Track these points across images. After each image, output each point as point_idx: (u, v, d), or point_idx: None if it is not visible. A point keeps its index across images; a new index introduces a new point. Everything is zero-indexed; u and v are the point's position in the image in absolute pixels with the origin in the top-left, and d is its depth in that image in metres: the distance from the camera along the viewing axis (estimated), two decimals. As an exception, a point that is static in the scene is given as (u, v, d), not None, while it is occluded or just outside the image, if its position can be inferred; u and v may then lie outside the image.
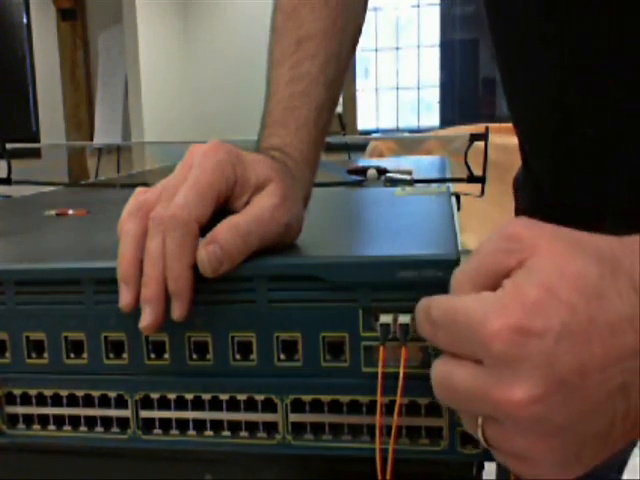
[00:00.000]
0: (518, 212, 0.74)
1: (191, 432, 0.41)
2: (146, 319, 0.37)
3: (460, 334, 0.30)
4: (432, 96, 4.71)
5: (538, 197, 0.67)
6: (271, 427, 0.40)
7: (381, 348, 0.36)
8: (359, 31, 0.60)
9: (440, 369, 0.32)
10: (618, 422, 0.29)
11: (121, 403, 0.41)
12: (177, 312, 0.37)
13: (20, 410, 0.43)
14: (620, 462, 0.71)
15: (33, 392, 0.42)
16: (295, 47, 0.52)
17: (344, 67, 0.56)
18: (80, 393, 0.41)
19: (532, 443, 0.29)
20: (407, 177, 1.04)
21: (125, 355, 0.40)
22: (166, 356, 0.40)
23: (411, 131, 4.59)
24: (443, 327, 0.31)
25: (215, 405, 0.40)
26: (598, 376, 0.28)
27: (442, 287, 0.36)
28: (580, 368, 0.28)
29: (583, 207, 0.59)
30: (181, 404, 0.40)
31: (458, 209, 0.76)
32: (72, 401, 0.42)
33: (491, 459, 0.38)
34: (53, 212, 0.67)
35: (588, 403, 0.28)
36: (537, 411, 0.28)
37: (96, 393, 0.41)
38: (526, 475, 0.31)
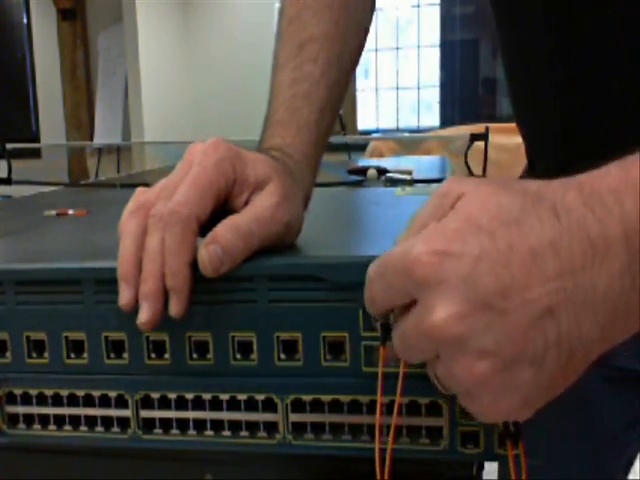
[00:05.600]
0: None
1: (191, 432, 0.41)
2: (144, 315, 0.37)
3: (390, 277, 0.31)
4: (432, 96, 4.71)
5: None
6: (271, 427, 0.40)
7: (381, 348, 0.36)
8: (365, 33, 0.60)
9: (395, 333, 0.33)
10: (552, 349, 0.29)
11: (121, 403, 0.41)
12: (175, 308, 0.37)
13: (20, 410, 0.43)
14: (626, 463, 0.71)
15: (34, 392, 0.42)
16: (298, 50, 0.53)
17: (348, 69, 0.56)
18: (80, 393, 0.41)
19: (465, 369, 0.29)
20: (407, 177, 1.05)
21: (125, 355, 0.40)
22: (166, 356, 0.40)
23: (411, 131, 4.59)
24: (376, 280, 0.32)
25: (215, 405, 0.40)
26: (520, 298, 0.28)
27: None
28: (501, 290, 0.28)
29: None
30: (181, 404, 0.40)
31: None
32: (72, 401, 0.42)
33: (491, 459, 0.38)
34: (53, 212, 0.67)
35: (514, 326, 0.28)
36: (459, 330, 0.29)
37: (96, 393, 0.41)
38: (478, 415, 0.32)
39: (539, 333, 0.28)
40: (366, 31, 0.60)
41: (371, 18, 0.61)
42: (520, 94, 0.65)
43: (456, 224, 0.30)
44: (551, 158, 0.63)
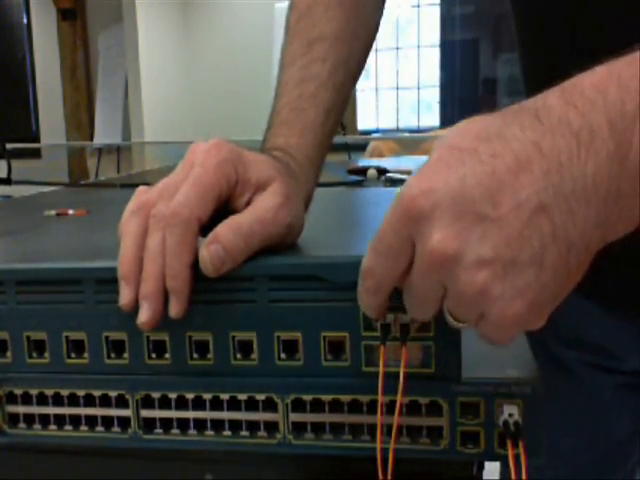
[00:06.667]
0: None
1: (192, 432, 0.41)
2: (144, 315, 0.37)
3: (390, 237, 0.31)
4: (432, 96, 4.71)
5: None
6: (272, 427, 0.40)
7: (381, 348, 0.36)
8: (373, 36, 0.59)
9: (405, 292, 0.33)
10: (549, 244, 0.29)
11: (122, 403, 0.41)
12: (174, 310, 0.37)
13: (21, 409, 0.43)
14: (630, 472, 0.71)
15: (34, 392, 0.42)
16: (306, 48, 0.52)
17: (355, 71, 0.55)
18: (81, 393, 0.41)
19: (468, 284, 0.29)
20: (407, 177, 1.04)
21: (126, 355, 0.40)
22: (167, 356, 0.40)
23: (411, 131, 4.59)
24: (375, 255, 0.32)
25: (216, 405, 0.40)
26: (510, 202, 0.28)
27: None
28: (490, 197, 0.29)
29: None
30: (182, 404, 0.40)
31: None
32: (73, 401, 0.42)
33: (491, 459, 0.38)
34: (53, 212, 0.67)
35: (508, 230, 0.29)
36: (455, 246, 0.29)
37: (97, 393, 0.41)
38: (494, 337, 0.31)
39: (534, 231, 0.29)
40: (374, 33, 0.59)
41: (380, 17, 0.60)
42: (537, 90, 0.64)
43: (439, 154, 0.30)
44: None
